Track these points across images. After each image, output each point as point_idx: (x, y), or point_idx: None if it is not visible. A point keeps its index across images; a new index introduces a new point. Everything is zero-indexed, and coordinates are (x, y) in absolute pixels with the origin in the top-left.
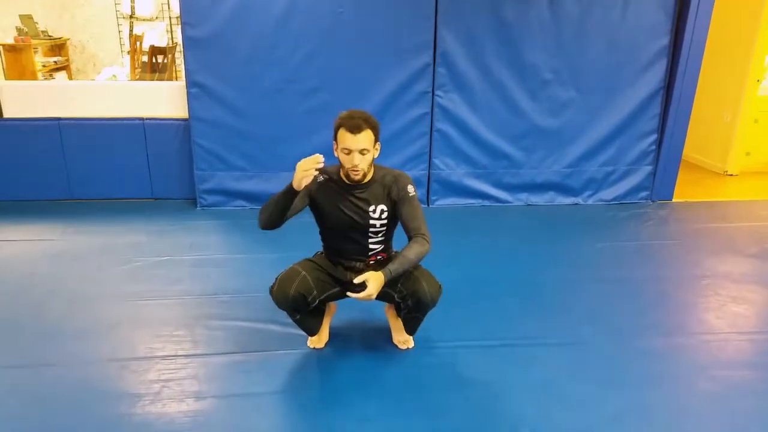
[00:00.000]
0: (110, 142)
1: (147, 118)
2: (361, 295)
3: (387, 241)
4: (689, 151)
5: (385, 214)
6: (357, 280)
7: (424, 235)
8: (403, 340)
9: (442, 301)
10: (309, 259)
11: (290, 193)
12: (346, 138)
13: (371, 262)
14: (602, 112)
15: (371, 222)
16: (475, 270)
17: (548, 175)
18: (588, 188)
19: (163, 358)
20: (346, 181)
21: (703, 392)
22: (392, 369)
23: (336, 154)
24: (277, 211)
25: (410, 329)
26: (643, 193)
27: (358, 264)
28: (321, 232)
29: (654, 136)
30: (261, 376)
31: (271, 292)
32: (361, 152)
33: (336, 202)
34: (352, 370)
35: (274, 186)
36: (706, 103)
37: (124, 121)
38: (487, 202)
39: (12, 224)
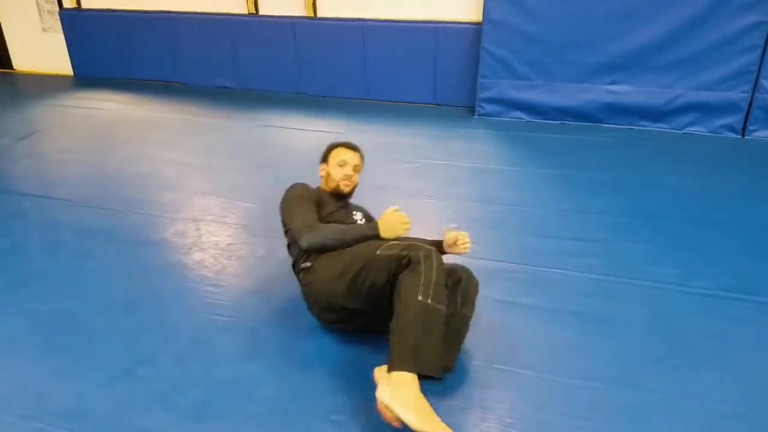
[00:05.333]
0: (404, 46)
1: (440, 22)
2: None
3: None
4: None
5: (363, 220)
6: None
7: None
8: None
9: (756, 251)
10: None
11: (371, 237)
12: (343, 153)
13: None
14: None
15: None
16: None
17: None
18: None
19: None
20: (334, 193)
21: None
22: (691, 318)
23: (324, 174)
24: (339, 246)
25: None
26: None
27: None
28: None
29: None
30: (530, 288)
31: None
32: (354, 168)
33: (328, 211)
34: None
35: (556, 98)
36: None
37: (419, 25)
38: None
39: (311, 116)
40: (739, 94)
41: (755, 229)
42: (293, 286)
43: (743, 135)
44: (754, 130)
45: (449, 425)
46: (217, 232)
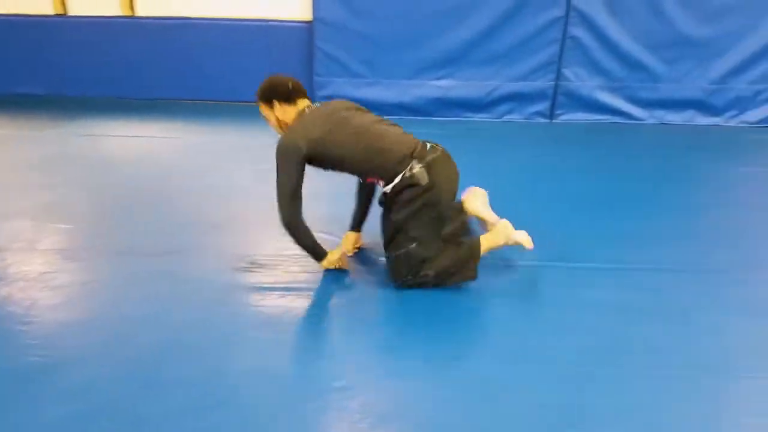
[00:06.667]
0: (236, 45)
1: (271, 20)
2: None
3: (354, 171)
4: None
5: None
6: None
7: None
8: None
9: (565, 221)
10: None
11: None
12: None
13: (381, 190)
14: (760, 22)
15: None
16: (601, 190)
17: (690, 91)
18: (732, 108)
19: (290, 256)
20: None
21: None
22: (510, 286)
23: None
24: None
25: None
26: None
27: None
28: None
29: None
30: (382, 279)
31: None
32: (266, 120)
33: None
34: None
35: (392, 95)
36: None
37: (249, 23)
38: (617, 119)
39: (143, 121)
40: (546, 83)
41: (568, 201)
42: (120, 312)
43: (551, 119)
44: (560, 114)
45: None
46: (27, 261)
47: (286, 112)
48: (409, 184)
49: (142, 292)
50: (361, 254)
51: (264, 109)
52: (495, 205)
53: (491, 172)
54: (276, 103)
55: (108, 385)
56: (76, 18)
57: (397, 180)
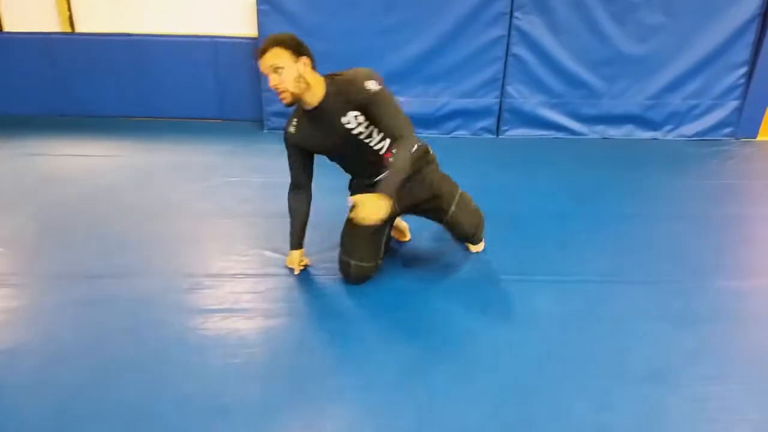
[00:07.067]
0: (181, 61)
1: (218, 37)
2: (358, 218)
3: (394, 132)
4: None
5: (361, 117)
6: (351, 202)
7: (401, 136)
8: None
9: (511, 234)
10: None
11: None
12: (258, 64)
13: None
14: (691, 40)
15: (355, 132)
16: (546, 203)
17: (628, 107)
18: (669, 122)
19: (234, 276)
20: (306, 109)
21: None
22: (456, 300)
23: None
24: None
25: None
26: (727, 130)
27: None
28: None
29: (744, 69)
30: (329, 296)
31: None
32: (275, 70)
33: (315, 134)
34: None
35: None
36: None
37: (195, 39)
38: (560, 134)
39: (84, 139)
40: (491, 100)
41: (511, 215)
42: (52, 339)
43: (497, 135)
44: (506, 130)
45: None
46: None
47: (312, 75)
48: (425, 150)
49: (77, 317)
50: (304, 272)
51: (285, 58)
52: None
53: None
54: (307, 60)
55: (39, 415)
56: (12, 34)
57: (413, 149)
